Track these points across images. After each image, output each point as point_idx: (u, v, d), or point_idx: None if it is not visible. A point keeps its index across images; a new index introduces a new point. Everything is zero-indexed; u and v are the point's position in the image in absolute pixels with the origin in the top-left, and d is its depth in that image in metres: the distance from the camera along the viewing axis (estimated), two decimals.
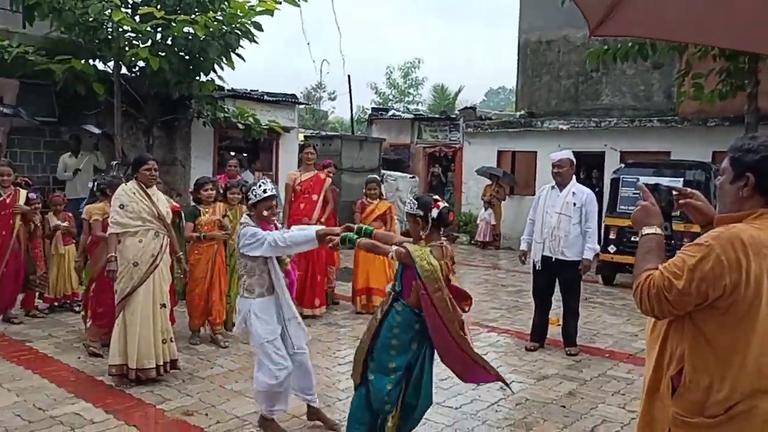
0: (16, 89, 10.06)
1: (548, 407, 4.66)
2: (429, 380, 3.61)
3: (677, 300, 1.95)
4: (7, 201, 6.46)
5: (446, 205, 3.54)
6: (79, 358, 5.43)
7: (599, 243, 9.15)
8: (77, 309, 6.97)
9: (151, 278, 4.86)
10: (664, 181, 9.10)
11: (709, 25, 2.37)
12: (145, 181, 4.97)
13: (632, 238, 9.18)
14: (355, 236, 3.66)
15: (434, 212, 3.44)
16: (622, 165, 10.82)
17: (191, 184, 10.03)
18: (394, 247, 3.46)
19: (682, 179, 8.95)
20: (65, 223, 7.15)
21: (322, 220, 7.32)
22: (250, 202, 3.98)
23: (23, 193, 6.67)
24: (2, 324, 6.47)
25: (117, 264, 4.82)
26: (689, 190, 2.31)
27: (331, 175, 7.81)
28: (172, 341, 5.03)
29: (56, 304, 7.11)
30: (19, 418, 4.15)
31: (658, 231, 2.15)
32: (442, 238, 3.54)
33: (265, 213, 3.95)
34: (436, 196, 3.61)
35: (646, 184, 2.31)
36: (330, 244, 3.74)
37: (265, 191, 3.93)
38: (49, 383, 4.79)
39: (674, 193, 2.27)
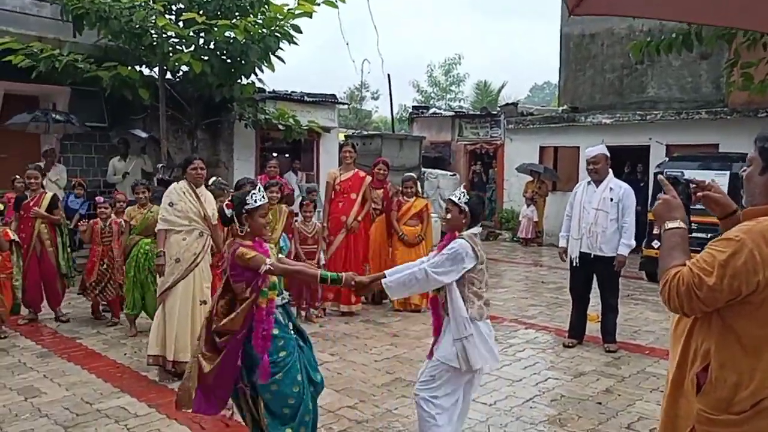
0: (67, 96, 10.50)
1: (584, 404, 4.62)
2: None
3: (708, 297, 1.91)
4: (30, 204, 6.66)
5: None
6: (125, 354, 5.64)
7: (643, 238, 9.06)
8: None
9: (192, 275, 5.02)
10: (710, 174, 8.88)
11: (694, 2, 2.30)
12: (192, 180, 5.13)
13: None
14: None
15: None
16: (667, 159, 10.57)
17: (234, 185, 10.28)
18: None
19: (728, 172, 8.70)
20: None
21: (359, 218, 7.40)
22: (246, 207, 3.39)
23: (48, 196, 6.76)
24: (55, 322, 6.75)
25: (165, 259, 5.03)
26: (708, 181, 2.26)
27: (382, 172, 7.82)
28: None
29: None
30: (67, 411, 4.35)
31: (682, 225, 2.11)
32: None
33: (261, 220, 3.44)
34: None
35: (667, 177, 2.27)
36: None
37: (255, 201, 3.39)
38: (96, 378, 5.01)
39: (692, 185, 2.23)
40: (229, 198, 3.62)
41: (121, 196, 7.52)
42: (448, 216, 3.61)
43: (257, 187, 3.53)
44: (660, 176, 2.29)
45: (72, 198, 9.36)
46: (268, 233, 3.65)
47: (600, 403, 4.63)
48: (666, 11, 2.72)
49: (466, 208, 3.54)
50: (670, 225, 2.11)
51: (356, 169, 7.63)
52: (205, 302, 5.09)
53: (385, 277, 3.49)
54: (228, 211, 3.46)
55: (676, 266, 1.99)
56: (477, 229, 3.58)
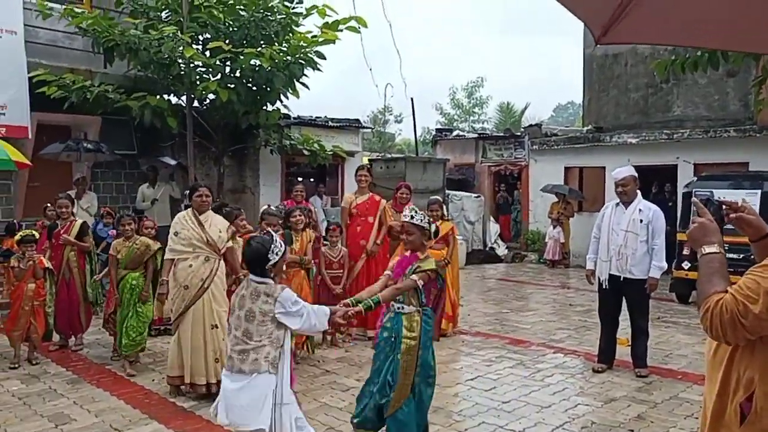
0: (98, 126, 10.78)
1: (615, 431, 4.52)
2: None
3: (754, 325, 1.85)
4: (61, 232, 6.75)
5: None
6: (153, 380, 5.68)
7: (672, 259, 8.91)
8: (153, 333, 7.28)
9: (201, 301, 5.15)
10: (741, 194, 8.73)
11: (718, 28, 2.28)
12: (197, 207, 5.31)
13: None
14: (369, 305, 3.76)
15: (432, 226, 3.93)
16: (695, 178, 10.42)
17: (260, 210, 10.39)
18: (416, 276, 3.84)
19: (759, 191, 8.54)
20: None
21: (378, 241, 7.39)
22: (271, 263, 3.42)
23: (77, 224, 6.82)
24: (85, 347, 6.84)
25: (167, 287, 5.27)
26: (740, 203, 2.21)
27: (405, 196, 7.76)
28: (221, 361, 5.14)
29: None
30: None
31: (719, 249, 2.07)
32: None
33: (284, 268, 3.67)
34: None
35: (699, 199, 2.24)
36: (348, 317, 3.77)
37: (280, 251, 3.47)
38: (125, 404, 5.04)
39: (724, 207, 2.19)
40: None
41: (150, 222, 7.63)
42: (411, 238, 3.94)
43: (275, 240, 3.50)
44: (693, 198, 2.25)
45: (101, 226, 9.52)
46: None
47: (632, 431, 4.53)
48: (691, 39, 2.71)
49: (427, 225, 3.93)
50: (707, 249, 2.05)
51: (371, 193, 7.67)
52: (216, 326, 5.16)
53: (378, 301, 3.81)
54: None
55: (717, 293, 1.94)
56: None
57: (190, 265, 5.17)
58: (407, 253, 4.05)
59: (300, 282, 6.23)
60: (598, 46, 2.38)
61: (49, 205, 8.98)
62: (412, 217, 3.92)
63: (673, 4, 2.17)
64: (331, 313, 3.57)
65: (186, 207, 9.27)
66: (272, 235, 3.55)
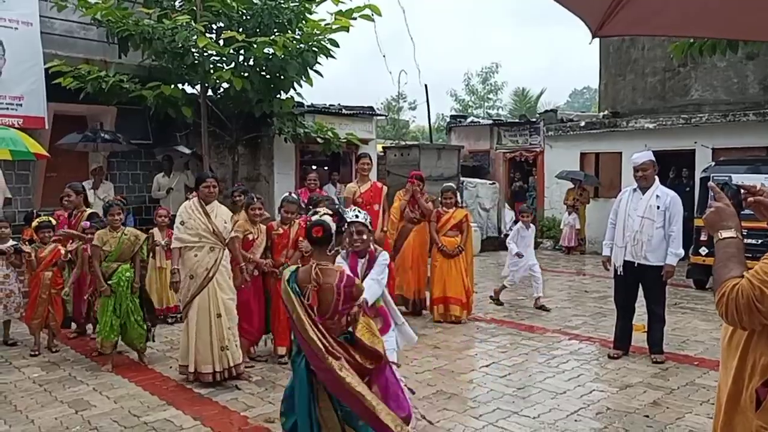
0: (113, 115, 10.85)
1: (630, 417, 4.51)
2: (303, 411, 3.10)
3: None
4: (73, 222, 6.79)
5: (318, 218, 3.24)
6: (170, 367, 5.75)
7: (689, 245, 8.83)
8: (170, 321, 7.36)
9: (206, 290, 5.20)
10: (760, 178, 8.61)
11: (716, 17, 2.25)
12: (204, 197, 5.35)
13: None
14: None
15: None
16: (713, 163, 10.29)
17: (275, 199, 10.43)
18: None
19: None
20: (166, 240, 7.10)
21: (385, 228, 7.40)
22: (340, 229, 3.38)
23: (85, 215, 6.73)
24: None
25: (179, 275, 5.30)
26: (759, 186, 2.19)
27: (419, 186, 7.72)
28: (229, 349, 5.21)
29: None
30: (116, 424, 4.45)
31: (737, 234, 2.05)
32: (329, 260, 3.25)
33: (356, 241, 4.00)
34: (320, 206, 3.63)
35: (717, 183, 2.21)
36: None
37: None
38: (143, 391, 5.12)
39: (742, 191, 2.17)
40: (327, 212, 3.33)
41: (163, 211, 7.64)
42: (364, 237, 3.99)
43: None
44: (710, 183, 2.24)
45: (131, 218, 9.67)
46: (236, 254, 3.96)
47: (647, 416, 4.51)
48: (688, 29, 2.68)
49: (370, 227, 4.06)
50: (724, 234, 2.04)
51: (373, 181, 7.68)
52: (220, 315, 5.20)
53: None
54: (333, 225, 3.24)
55: (733, 278, 1.93)
56: None
57: (196, 255, 5.22)
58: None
59: None
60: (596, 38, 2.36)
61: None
62: (356, 216, 3.96)
63: None
64: None
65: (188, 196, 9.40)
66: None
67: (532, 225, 8.72)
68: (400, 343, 4.33)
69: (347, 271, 3.24)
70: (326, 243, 3.23)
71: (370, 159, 7.84)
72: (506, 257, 8.63)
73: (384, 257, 4.14)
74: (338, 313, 3.11)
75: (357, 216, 3.95)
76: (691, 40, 9.96)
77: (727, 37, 5.72)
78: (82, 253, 6.35)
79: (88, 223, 6.24)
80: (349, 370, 2.98)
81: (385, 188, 7.66)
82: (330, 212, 3.30)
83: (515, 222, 8.83)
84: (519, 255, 8.24)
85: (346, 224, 3.44)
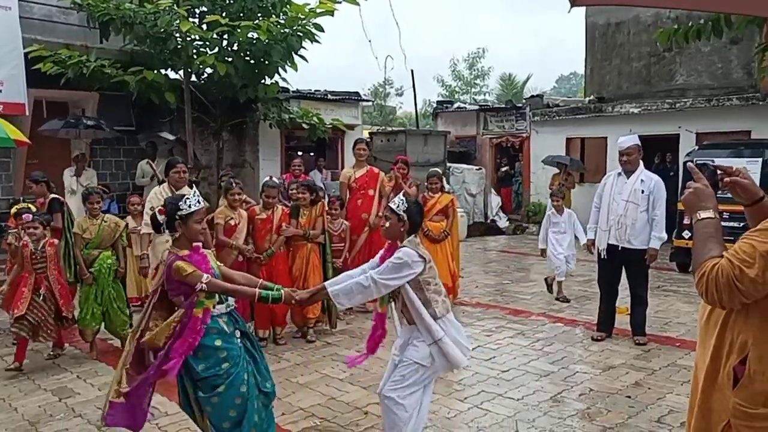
0: (95, 101, 10.73)
1: (613, 397, 4.56)
2: None
3: (749, 289, 1.86)
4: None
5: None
6: None
7: (673, 229, 8.91)
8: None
9: None
10: (742, 162, 8.68)
11: None
12: (174, 183, 5.40)
13: None
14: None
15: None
16: (696, 147, 10.36)
17: (260, 185, 10.38)
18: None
19: (761, 159, 8.51)
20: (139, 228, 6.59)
21: (380, 214, 7.35)
22: (180, 216, 3.30)
23: (48, 200, 6.48)
24: None
25: (149, 261, 5.34)
26: (735, 167, 2.20)
27: (402, 170, 7.71)
28: None
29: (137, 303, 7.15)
30: (100, 411, 4.34)
31: (714, 214, 2.06)
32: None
33: (196, 227, 3.35)
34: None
35: (695, 164, 2.22)
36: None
37: (191, 205, 3.31)
38: None
39: (719, 171, 2.18)
40: (162, 203, 3.43)
41: (136, 199, 7.42)
42: (387, 224, 3.49)
43: (193, 192, 3.44)
44: (689, 164, 2.25)
45: (114, 207, 9.58)
46: (205, 238, 3.49)
47: (629, 397, 4.57)
48: (671, 1, 2.67)
49: (405, 216, 3.43)
50: (703, 215, 2.05)
51: (369, 166, 7.64)
52: None
53: (325, 289, 3.41)
54: (160, 217, 3.33)
55: (713, 257, 1.94)
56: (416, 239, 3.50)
57: (167, 240, 5.15)
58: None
59: (306, 255, 6.21)
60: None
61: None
62: (397, 206, 3.47)
63: None
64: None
65: (193, 182, 9.38)
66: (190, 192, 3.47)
67: (567, 210, 8.19)
68: (438, 367, 3.42)
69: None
70: None
71: (367, 144, 7.78)
72: (492, 242, 8.60)
73: (398, 255, 3.36)
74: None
75: (392, 203, 3.54)
76: (676, 26, 10.02)
77: (711, 9, 5.70)
78: (22, 249, 5.51)
79: (30, 215, 5.55)
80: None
81: (381, 174, 7.58)
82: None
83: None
84: (543, 252, 7.88)
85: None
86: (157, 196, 5.33)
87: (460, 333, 3.46)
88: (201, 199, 3.39)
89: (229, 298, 3.42)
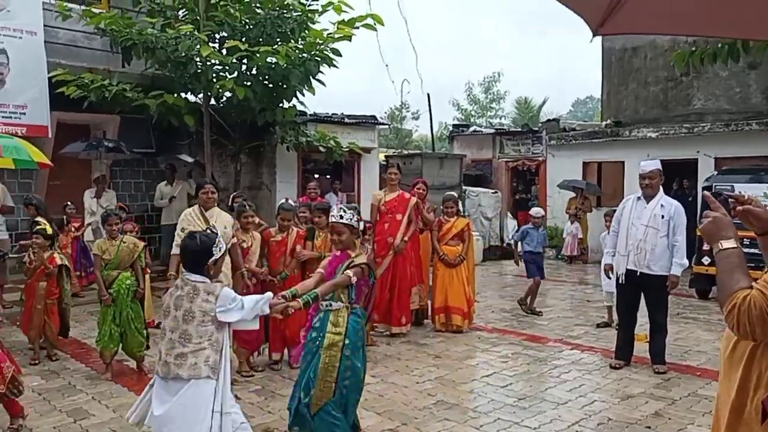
0: (116, 124, 10.91)
1: (632, 428, 4.48)
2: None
3: None
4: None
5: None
6: None
7: (692, 254, 8.80)
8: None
9: None
10: (762, 187, 8.59)
11: (718, 15, 2.23)
12: (203, 204, 5.47)
13: None
14: (308, 300, 3.68)
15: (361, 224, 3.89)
16: (715, 172, 10.27)
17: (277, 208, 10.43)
18: (350, 272, 3.79)
19: None
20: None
21: (406, 239, 7.30)
22: (213, 258, 3.39)
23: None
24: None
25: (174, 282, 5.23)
26: (747, 195, 2.17)
27: (421, 193, 7.71)
28: None
29: None
30: None
31: (737, 243, 2.03)
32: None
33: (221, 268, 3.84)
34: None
35: (711, 193, 2.21)
36: (287, 312, 3.59)
37: (220, 249, 3.45)
38: None
39: (731, 200, 2.15)
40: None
41: (129, 226, 7.06)
42: (343, 237, 3.90)
43: (218, 236, 3.50)
44: (705, 192, 2.24)
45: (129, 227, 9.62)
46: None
47: (649, 428, 4.48)
48: (689, 27, 2.67)
49: (356, 226, 3.93)
50: (725, 245, 2.02)
51: (401, 190, 7.60)
52: None
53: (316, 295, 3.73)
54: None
55: (742, 289, 1.90)
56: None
57: None
58: (337, 252, 4.00)
59: None
60: (598, 36, 2.33)
61: (69, 203, 9.13)
62: (341, 217, 3.90)
63: None
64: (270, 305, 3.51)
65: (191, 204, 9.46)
66: (216, 233, 3.53)
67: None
68: None
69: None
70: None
71: (398, 169, 7.74)
72: (509, 266, 8.56)
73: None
74: None
75: (341, 216, 3.93)
76: (693, 49, 10.01)
77: (730, 36, 5.68)
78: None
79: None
80: None
81: (413, 199, 7.47)
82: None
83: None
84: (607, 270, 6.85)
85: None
86: (186, 217, 5.44)
87: None
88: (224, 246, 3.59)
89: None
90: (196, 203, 5.59)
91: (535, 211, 9.00)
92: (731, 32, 3.07)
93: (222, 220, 5.48)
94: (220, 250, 3.40)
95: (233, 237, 5.51)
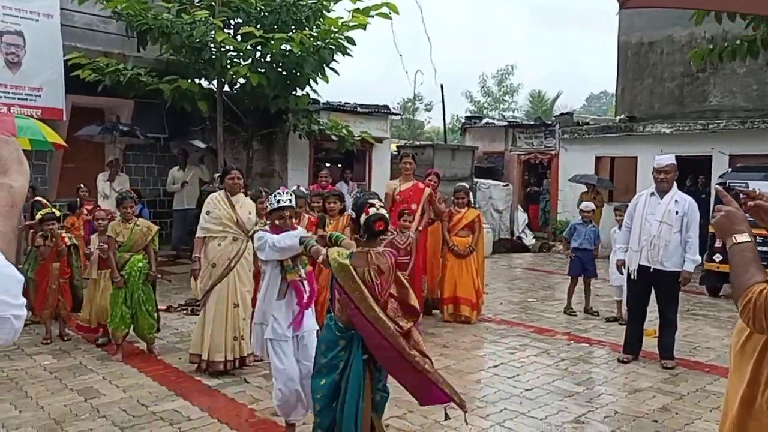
0: (131, 109, 10.95)
1: (639, 421, 4.48)
2: (353, 406, 3.19)
3: None
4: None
5: (376, 212, 3.24)
6: (180, 358, 5.77)
7: (704, 251, 8.74)
8: (99, 341, 6.30)
9: (227, 280, 5.28)
10: None
11: None
12: (229, 189, 5.46)
13: None
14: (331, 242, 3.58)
15: (363, 217, 3.24)
16: (730, 169, 10.19)
17: None
18: (323, 250, 3.39)
19: None
20: (98, 245, 6.05)
21: (420, 228, 7.28)
22: (267, 210, 4.19)
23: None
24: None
25: (200, 264, 5.41)
26: (758, 191, 2.15)
27: (433, 183, 7.70)
28: (243, 339, 5.31)
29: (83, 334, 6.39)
30: (124, 413, 4.48)
31: (751, 237, 2.02)
32: (379, 246, 3.36)
33: (277, 222, 4.06)
34: (373, 200, 3.35)
35: (724, 187, 2.19)
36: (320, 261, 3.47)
37: (278, 201, 4.03)
38: (152, 381, 5.15)
39: (742, 195, 2.14)
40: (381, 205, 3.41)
41: (102, 213, 6.49)
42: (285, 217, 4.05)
43: (275, 194, 4.11)
44: (717, 186, 2.22)
45: (146, 211, 9.73)
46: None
47: (656, 421, 4.48)
48: (713, 2, 2.62)
49: (353, 214, 3.42)
50: (739, 239, 1.99)
51: (416, 181, 7.58)
52: (237, 305, 5.29)
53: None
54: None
55: (758, 283, 1.88)
56: None
57: (219, 244, 5.33)
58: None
59: None
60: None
61: (82, 185, 9.19)
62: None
63: None
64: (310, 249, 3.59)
65: (208, 190, 9.47)
66: (280, 191, 4.13)
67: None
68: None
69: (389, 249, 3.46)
70: (384, 234, 3.46)
71: (413, 159, 7.68)
72: (518, 260, 8.49)
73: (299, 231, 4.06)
74: (389, 292, 3.25)
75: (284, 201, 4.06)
76: (711, 47, 9.90)
77: (754, 12, 5.57)
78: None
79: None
80: (414, 347, 3.10)
81: (427, 190, 7.44)
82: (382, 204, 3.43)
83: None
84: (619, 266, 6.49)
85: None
86: (213, 201, 5.45)
87: None
88: (288, 198, 4.09)
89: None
90: (215, 189, 5.60)
91: (585, 205, 8.50)
92: (755, 8, 3.01)
93: (246, 206, 5.54)
94: (270, 205, 4.09)
95: (256, 224, 5.55)
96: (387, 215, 3.33)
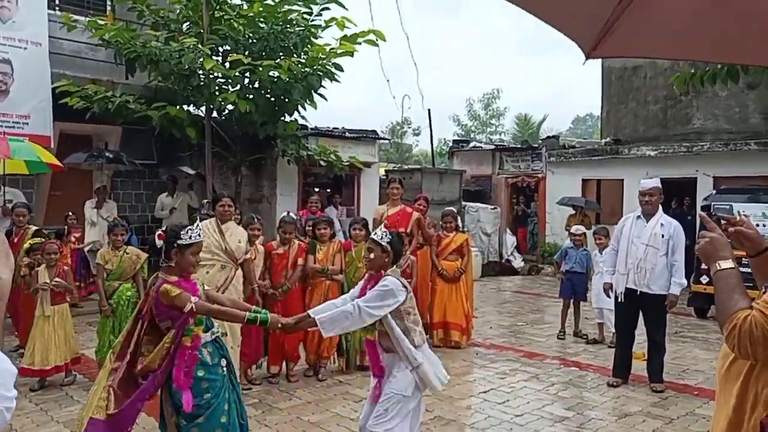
0: (119, 135, 10.96)
1: None
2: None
3: None
4: (15, 240, 6.58)
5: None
6: None
7: (690, 273, 8.81)
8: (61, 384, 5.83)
9: None
10: (761, 207, 8.63)
11: (716, 42, 2.24)
12: (220, 216, 5.48)
13: None
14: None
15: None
16: (714, 191, 10.32)
17: (278, 220, 10.47)
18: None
19: None
20: (57, 280, 5.71)
21: (408, 253, 7.28)
22: (178, 245, 3.40)
23: (30, 231, 6.66)
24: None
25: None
26: (738, 217, 2.19)
27: (422, 208, 7.72)
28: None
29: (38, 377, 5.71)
30: None
31: (734, 263, 2.04)
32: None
33: (191, 258, 3.45)
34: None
35: (707, 213, 2.23)
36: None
37: (191, 236, 3.42)
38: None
39: (723, 221, 2.17)
40: (163, 229, 3.52)
41: (54, 246, 5.92)
42: (371, 256, 3.58)
43: (196, 225, 3.52)
44: (702, 213, 2.25)
45: (134, 238, 9.67)
46: (195, 271, 3.59)
47: None
48: (683, 52, 2.69)
49: (389, 247, 3.56)
50: (723, 265, 2.03)
51: (403, 205, 7.61)
52: (225, 334, 5.20)
53: (310, 317, 3.46)
54: (158, 242, 3.40)
55: (742, 309, 1.91)
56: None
57: (207, 272, 5.31)
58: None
59: (324, 292, 6.03)
60: (589, 60, 2.33)
61: (70, 213, 9.14)
62: (381, 238, 3.59)
63: (661, 19, 2.15)
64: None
65: (200, 217, 9.47)
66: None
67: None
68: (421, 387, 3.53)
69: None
70: None
71: (401, 183, 7.69)
72: (507, 282, 8.50)
73: (384, 283, 3.45)
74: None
75: (374, 236, 3.67)
76: (692, 71, 10.08)
77: (726, 61, 5.72)
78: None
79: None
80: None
81: (415, 214, 7.41)
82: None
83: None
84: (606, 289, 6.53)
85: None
86: (204, 229, 5.40)
87: (436, 363, 3.59)
88: (201, 233, 3.52)
89: (215, 324, 3.55)
90: (205, 216, 5.61)
91: (576, 228, 8.48)
92: (727, 58, 3.09)
93: (236, 234, 5.53)
94: (190, 238, 3.41)
95: (247, 253, 5.55)
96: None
